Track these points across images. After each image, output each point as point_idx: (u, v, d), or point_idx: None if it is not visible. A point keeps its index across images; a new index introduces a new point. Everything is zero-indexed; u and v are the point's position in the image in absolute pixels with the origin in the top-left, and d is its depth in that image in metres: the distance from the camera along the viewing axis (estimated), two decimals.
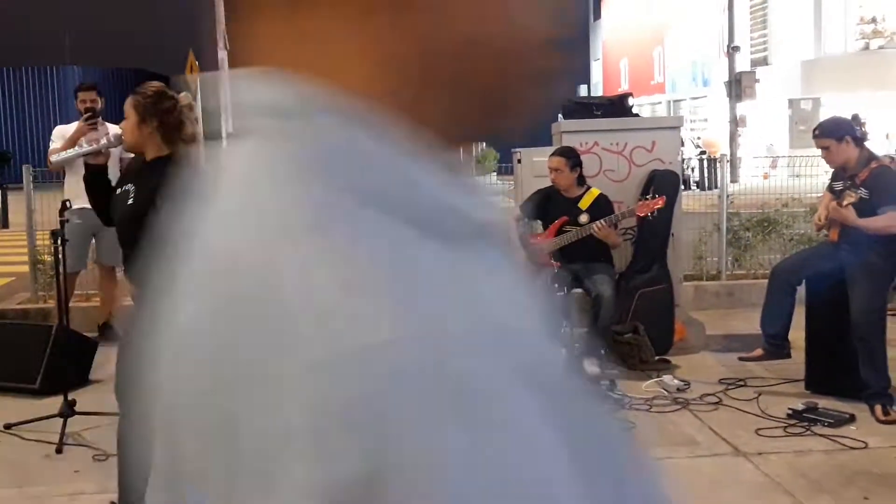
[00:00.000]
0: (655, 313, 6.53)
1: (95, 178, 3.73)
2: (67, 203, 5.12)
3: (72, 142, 6.20)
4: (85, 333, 6.34)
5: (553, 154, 6.40)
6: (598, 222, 6.13)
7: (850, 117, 5.47)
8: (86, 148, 3.71)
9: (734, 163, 23.33)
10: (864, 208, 5.08)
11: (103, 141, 3.71)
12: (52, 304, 6.94)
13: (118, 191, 3.58)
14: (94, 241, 6.98)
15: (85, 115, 6.11)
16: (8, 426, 5.15)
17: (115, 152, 4.71)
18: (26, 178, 8.32)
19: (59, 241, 4.99)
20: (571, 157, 6.33)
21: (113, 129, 5.19)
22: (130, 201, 3.46)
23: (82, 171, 3.93)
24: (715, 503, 3.98)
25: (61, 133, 6.76)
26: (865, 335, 5.09)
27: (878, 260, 5.11)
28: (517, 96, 0.58)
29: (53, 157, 6.39)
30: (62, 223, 4.98)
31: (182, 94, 3.53)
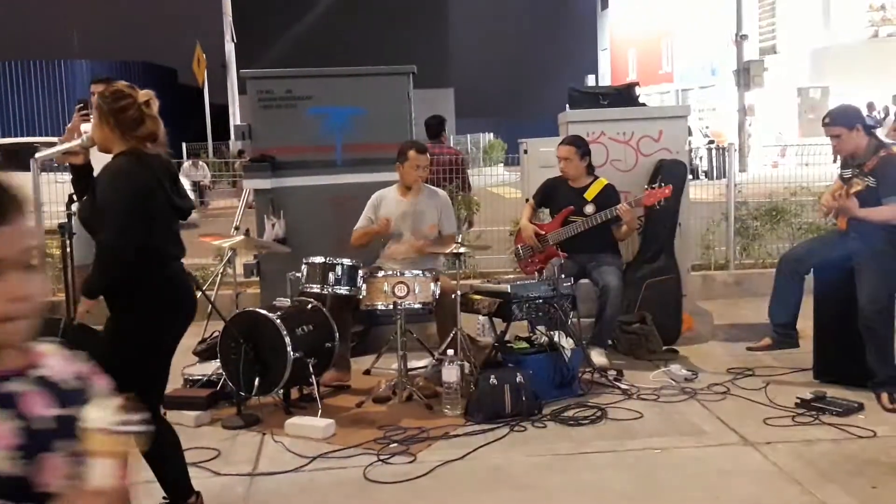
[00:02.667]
0: (663, 303, 6.51)
1: (78, 175, 3.75)
2: (74, 196, 5.12)
3: (70, 135, 6.21)
4: (93, 326, 6.35)
5: (562, 143, 6.34)
6: (622, 204, 6.08)
7: (865, 105, 5.44)
8: (63, 146, 3.73)
9: (742, 152, 23.22)
10: (871, 196, 5.06)
11: (77, 140, 3.71)
12: (60, 297, 6.95)
13: None
14: None
15: (77, 107, 6.10)
16: None
17: None
18: (34, 171, 8.32)
19: (66, 235, 5.00)
20: (581, 145, 6.27)
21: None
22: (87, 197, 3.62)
23: None
24: (723, 493, 3.97)
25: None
26: (872, 323, 5.06)
27: (887, 248, 5.08)
28: None
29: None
30: (69, 216, 4.98)
31: (143, 91, 3.52)
